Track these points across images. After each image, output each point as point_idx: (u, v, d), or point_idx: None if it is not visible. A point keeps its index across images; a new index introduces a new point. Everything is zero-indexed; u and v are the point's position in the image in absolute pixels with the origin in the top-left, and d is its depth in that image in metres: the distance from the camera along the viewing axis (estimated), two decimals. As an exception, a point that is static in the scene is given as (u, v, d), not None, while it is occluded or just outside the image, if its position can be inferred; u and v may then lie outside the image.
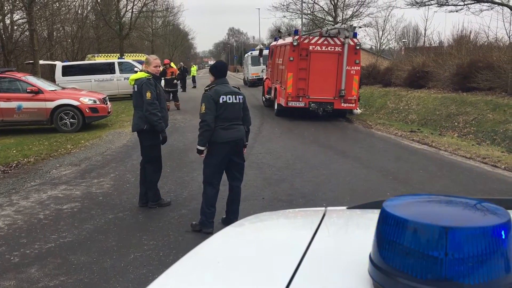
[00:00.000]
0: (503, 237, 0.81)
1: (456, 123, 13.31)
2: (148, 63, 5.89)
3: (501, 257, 0.80)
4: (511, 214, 0.86)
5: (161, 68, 6.31)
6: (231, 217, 5.16)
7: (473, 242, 0.79)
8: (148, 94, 5.64)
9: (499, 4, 14.55)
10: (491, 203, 0.94)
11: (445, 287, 0.79)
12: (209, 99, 4.94)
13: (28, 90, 12.46)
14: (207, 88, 5.06)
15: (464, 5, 15.16)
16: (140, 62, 19.63)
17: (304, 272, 1.01)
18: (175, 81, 17.44)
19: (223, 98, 4.96)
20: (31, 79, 13.36)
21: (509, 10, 14.15)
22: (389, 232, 0.86)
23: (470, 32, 19.92)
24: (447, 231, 0.80)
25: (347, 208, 1.62)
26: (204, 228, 5.07)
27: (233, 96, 5.04)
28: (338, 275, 1.00)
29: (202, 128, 4.96)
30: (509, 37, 15.46)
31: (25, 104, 12.45)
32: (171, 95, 17.07)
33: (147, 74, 5.79)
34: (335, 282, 0.98)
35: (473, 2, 14.84)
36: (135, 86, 5.75)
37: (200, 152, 5.08)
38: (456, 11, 15.58)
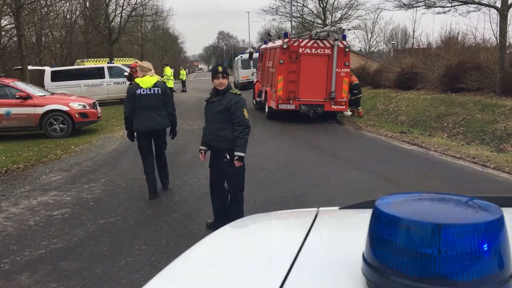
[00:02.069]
0: (496, 233, 0.81)
1: (445, 124, 13.40)
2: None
3: (494, 253, 0.80)
4: (503, 211, 0.86)
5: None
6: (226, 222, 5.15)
7: (466, 239, 0.79)
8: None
9: (486, 5, 14.67)
10: (483, 200, 0.94)
11: (438, 285, 0.78)
12: (246, 104, 4.89)
13: (17, 96, 12.36)
14: (239, 92, 4.92)
15: (451, 6, 15.24)
16: (129, 66, 19.47)
17: (298, 272, 1.00)
18: None
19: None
20: (20, 84, 13.23)
21: (495, 11, 14.28)
22: (382, 230, 0.86)
23: (458, 33, 20.12)
24: (440, 228, 0.79)
25: (340, 208, 1.62)
26: None
27: None
28: (331, 275, 1.00)
29: (248, 134, 4.82)
30: (496, 38, 15.57)
31: (14, 110, 12.34)
32: None
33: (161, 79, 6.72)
34: (329, 282, 0.98)
35: (460, 3, 14.93)
36: (158, 89, 6.30)
37: (242, 159, 4.80)
38: (444, 13, 15.67)
